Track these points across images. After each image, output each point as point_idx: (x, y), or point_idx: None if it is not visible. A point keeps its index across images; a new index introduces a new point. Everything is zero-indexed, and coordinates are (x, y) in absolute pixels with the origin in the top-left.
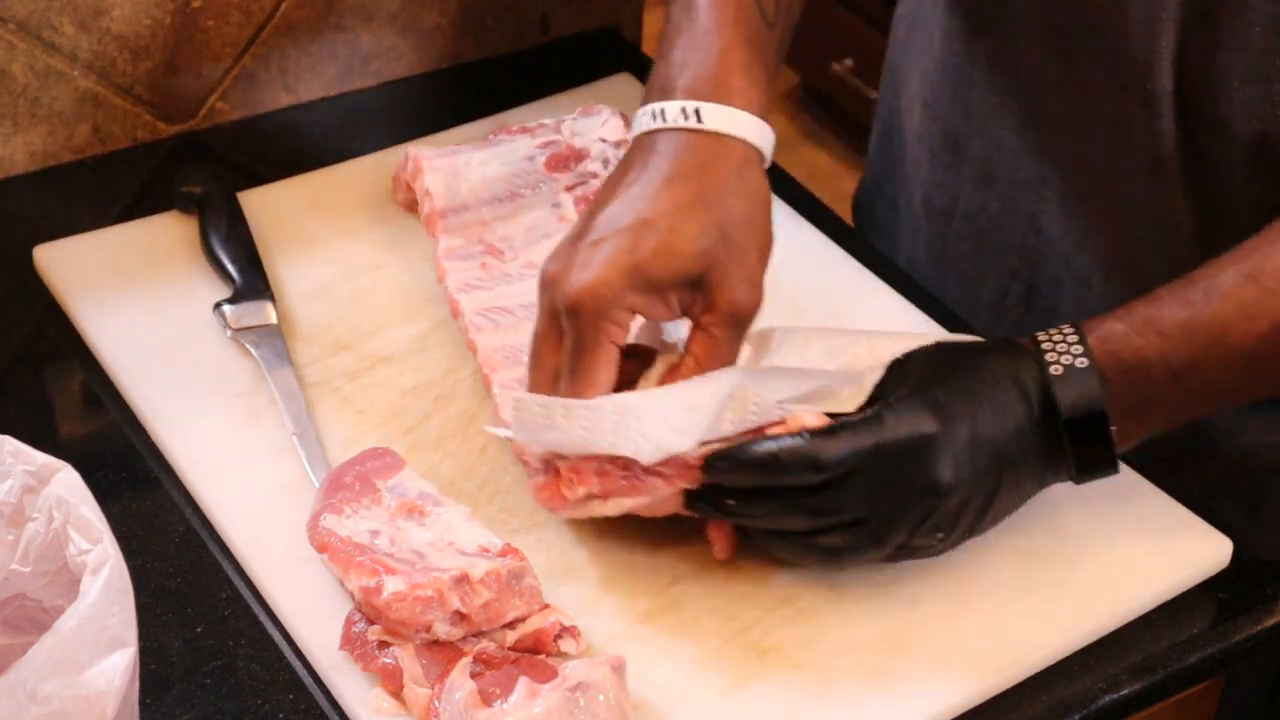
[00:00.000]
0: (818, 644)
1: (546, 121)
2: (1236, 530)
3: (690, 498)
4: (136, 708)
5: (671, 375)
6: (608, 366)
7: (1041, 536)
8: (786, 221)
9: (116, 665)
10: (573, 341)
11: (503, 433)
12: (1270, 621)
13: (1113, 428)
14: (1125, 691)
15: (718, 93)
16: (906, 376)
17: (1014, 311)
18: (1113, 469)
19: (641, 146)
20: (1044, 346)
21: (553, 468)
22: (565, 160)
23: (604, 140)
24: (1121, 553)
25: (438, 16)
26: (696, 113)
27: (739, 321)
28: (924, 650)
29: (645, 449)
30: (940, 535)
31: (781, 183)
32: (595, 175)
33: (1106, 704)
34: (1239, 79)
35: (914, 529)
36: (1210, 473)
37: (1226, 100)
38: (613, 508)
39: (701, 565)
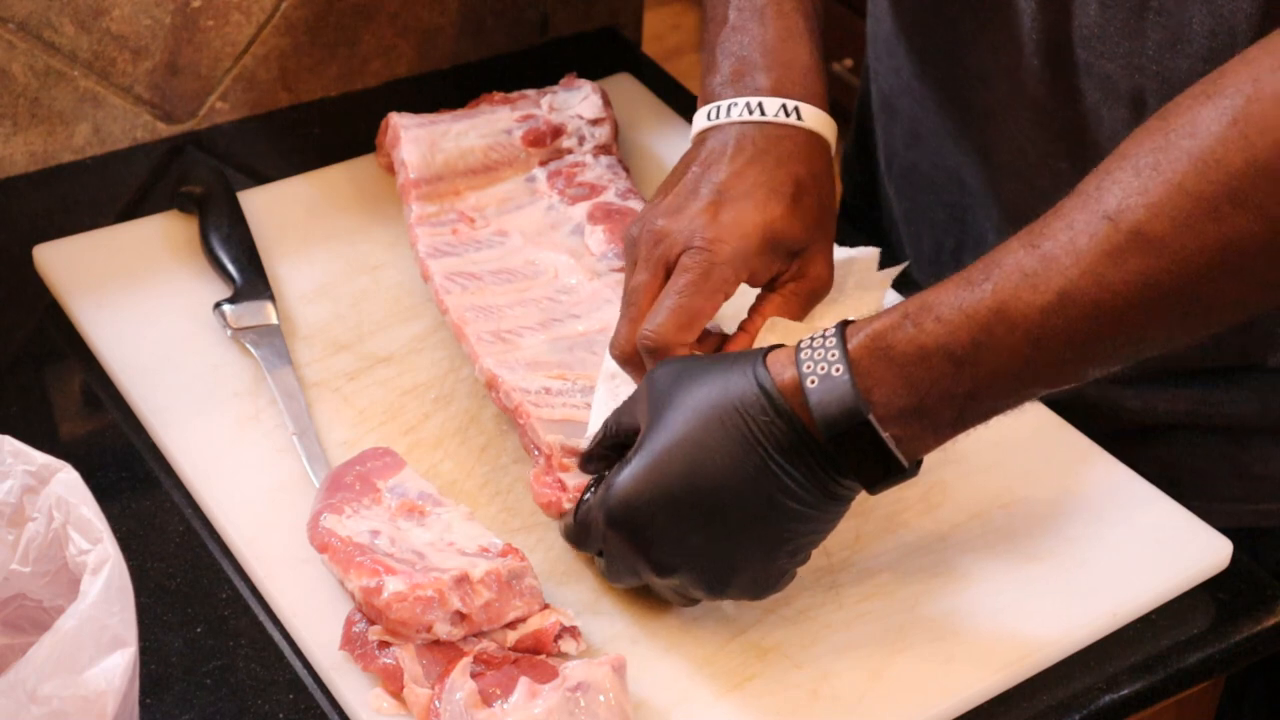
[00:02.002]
0: (818, 644)
1: (529, 93)
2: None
3: None
4: (136, 708)
5: (734, 343)
6: (711, 314)
7: (1041, 538)
8: None
9: (116, 665)
10: (689, 280)
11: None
12: (1270, 621)
13: (888, 433)
14: (1125, 691)
15: (808, 95)
16: (644, 413)
17: (948, 268)
18: (903, 473)
19: (737, 134)
20: (803, 356)
21: (557, 468)
22: (542, 136)
23: (581, 117)
24: (1121, 554)
25: (438, 16)
26: (796, 110)
27: (817, 296)
28: (924, 651)
29: None
30: (698, 591)
31: None
32: (570, 151)
33: (1106, 704)
34: (1118, 34)
35: (680, 596)
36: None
37: (1110, 56)
38: None
39: None
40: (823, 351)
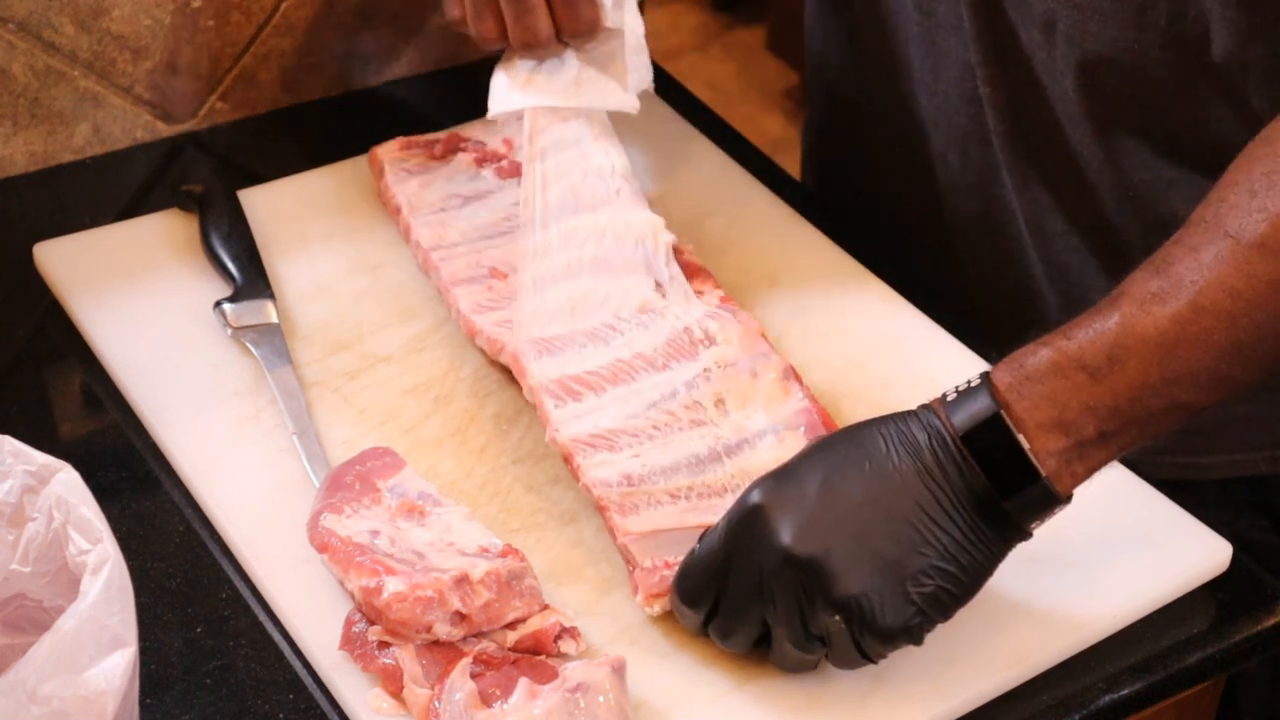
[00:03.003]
0: None
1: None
2: None
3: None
4: (136, 708)
5: None
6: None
7: (1042, 540)
8: (790, 224)
9: (116, 665)
10: None
11: (501, 108)
12: (1270, 621)
13: (1029, 445)
14: (1125, 691)
15: None
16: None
17: (900, 203)
18: (1037, 481)
19: None
20: (949, 389)
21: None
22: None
23: None
24: (1121, 556)
25: (438, 16)
26: None
27: None
28: (924, 651)
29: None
30: (856, 608)
31: (783, 182)
32: None
33: (1106, 704)
34: None
35: (810, 608)
36: None
37: None
38: None
39: None
40: (965, 383)
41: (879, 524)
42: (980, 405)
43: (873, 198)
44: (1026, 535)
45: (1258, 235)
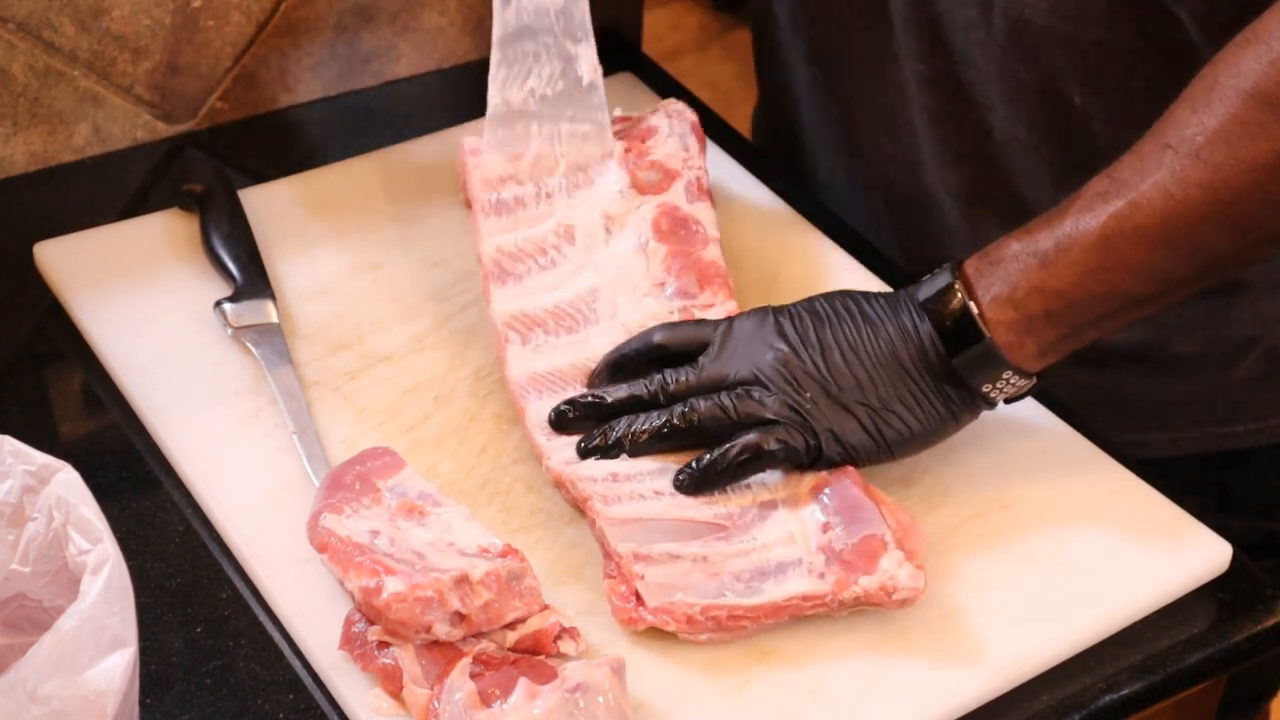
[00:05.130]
0: (817, 646)
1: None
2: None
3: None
4: (136, 708)
5: None
6: None
7: (1040, 540)
8: (790, 224)
9: (116, 665)
10: None
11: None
12: (1270, 621)
13: (978, 310)
14: (1125, 691)
15: None
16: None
17: (842, 187)
18: (981, 340)
19: None
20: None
21: (634, 591)
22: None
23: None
24: (1120, 557)
25: (438, 16)
26: None
27: None
28: (923, 652)
29: None
30: (808, 396)
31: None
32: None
33: (1106, 704)
34: None
35: (785, 390)
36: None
37: None
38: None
39: None
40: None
41: (858, 340)
42: (942, 280)
43: (814, 177)
44: (985, 399)
45: (1194, 147)
